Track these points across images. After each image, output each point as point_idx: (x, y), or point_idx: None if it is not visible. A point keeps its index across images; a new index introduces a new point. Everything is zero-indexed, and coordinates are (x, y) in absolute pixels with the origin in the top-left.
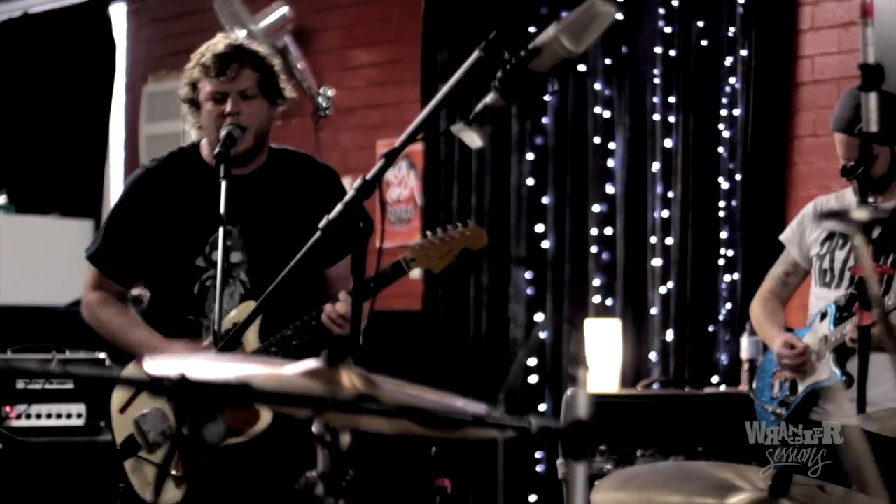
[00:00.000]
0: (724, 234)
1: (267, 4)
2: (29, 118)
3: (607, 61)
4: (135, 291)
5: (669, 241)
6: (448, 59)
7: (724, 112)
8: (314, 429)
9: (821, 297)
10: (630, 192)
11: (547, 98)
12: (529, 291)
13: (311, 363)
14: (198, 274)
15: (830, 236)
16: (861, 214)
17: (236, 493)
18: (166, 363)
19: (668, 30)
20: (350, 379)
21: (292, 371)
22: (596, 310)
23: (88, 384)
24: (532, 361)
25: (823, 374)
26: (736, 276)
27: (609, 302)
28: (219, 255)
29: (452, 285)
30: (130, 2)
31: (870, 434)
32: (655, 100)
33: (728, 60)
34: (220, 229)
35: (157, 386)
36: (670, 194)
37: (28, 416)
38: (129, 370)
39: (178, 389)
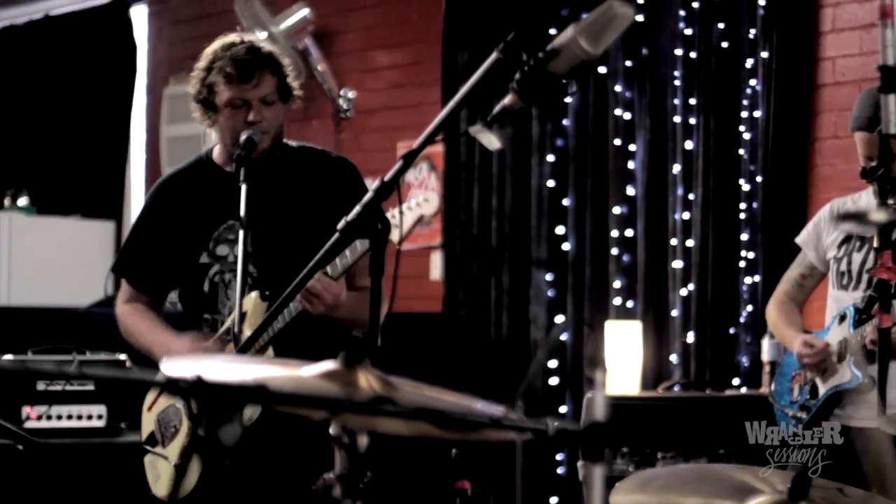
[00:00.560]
0: (744, 237)
1: (288, 6)
2: (50, 120)
3: (628, 63)
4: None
5: (690, 243)
6: (469, 60)
7: (744, 114)
8: (331, 430)
9: (839, 300)
10: (651, 194)
11: (567, 100)
12: (550, 293)
13: (328, 365)
14: (204, 271)
15: (847, 238)
16: (880, 216)
17: (254, 494)
18: (184, 364)
19: (688, 32)
20: (367, 380)
21: (309, 372)
22: (616, 312)
23: (109, 385)
24: (553, 363)
25: (845, 377)
26: (757, 278)
27: (630, 304)
28: (239, 257)
29: (473, 287)
30: (151, 4)
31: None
32: (676, 102)
33: (749, 62)
34: (241, 232)
35: (173, 387)
36: (691, 196)
37: (48, 418)
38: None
39: (194, 390)
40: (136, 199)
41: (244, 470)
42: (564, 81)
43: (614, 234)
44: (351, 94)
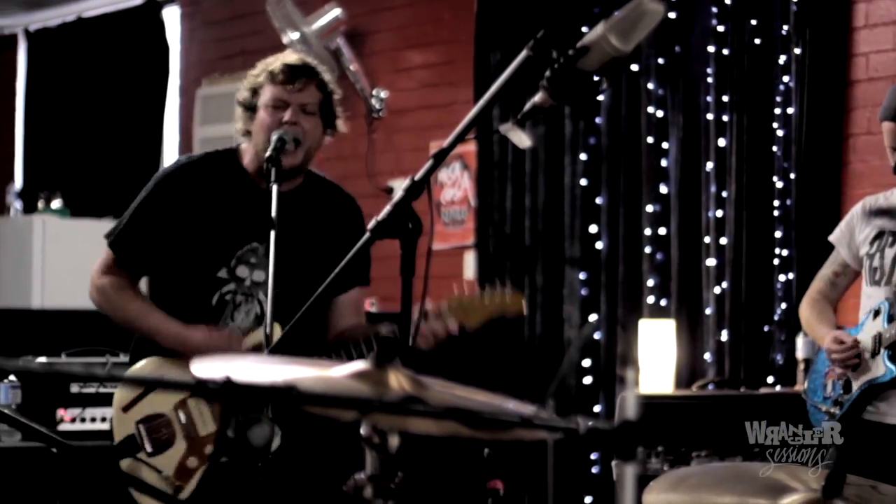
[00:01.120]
0: (778, 234)
1: (320, 6)
2: (83, 122)
3: (660, 60)
4: None
5: (724, 240)
6: (501, 59)
7: (777, 111)
8: (362, 431)
9: (871, 296)
10: (684, 191)
11: (600, 98)
12: (583, 292)
13: (358, 364)
14: (218, 285)
15: (880, 234)
16: None
17: (285, 495)
18: (214, 365)
19: (721, 28)
20: (398, 380)
21: (339, 373)
22: (650, 310)
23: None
24: (586, 362)
25: (879, 371)
26: (791, 275)
27: (663, 302)
28: (270, 262)
29: (506, 286)
30: (184, 5)
31: None
32: (709, 99)
33: (782, 59)
34: (272, 233)
35: (203, 389)
36: (724, 194)
37: (82, 420)
38: (145, 367)
39: (224, 392)
40: None
41: (276, 471)
42: (595, 79)
43: (647, 232)
44: (383, 94)
